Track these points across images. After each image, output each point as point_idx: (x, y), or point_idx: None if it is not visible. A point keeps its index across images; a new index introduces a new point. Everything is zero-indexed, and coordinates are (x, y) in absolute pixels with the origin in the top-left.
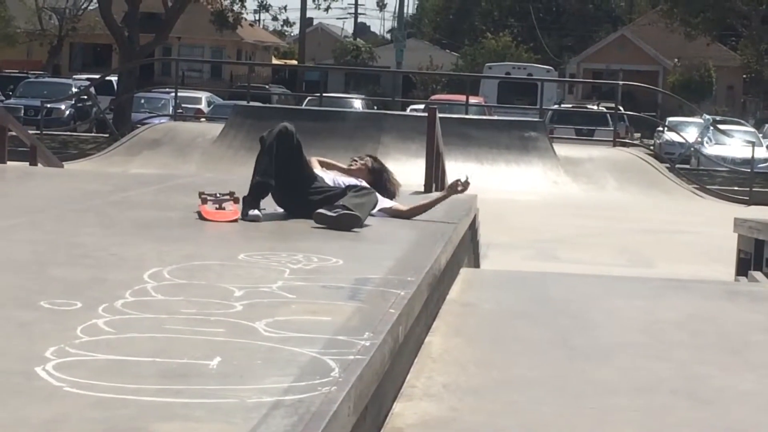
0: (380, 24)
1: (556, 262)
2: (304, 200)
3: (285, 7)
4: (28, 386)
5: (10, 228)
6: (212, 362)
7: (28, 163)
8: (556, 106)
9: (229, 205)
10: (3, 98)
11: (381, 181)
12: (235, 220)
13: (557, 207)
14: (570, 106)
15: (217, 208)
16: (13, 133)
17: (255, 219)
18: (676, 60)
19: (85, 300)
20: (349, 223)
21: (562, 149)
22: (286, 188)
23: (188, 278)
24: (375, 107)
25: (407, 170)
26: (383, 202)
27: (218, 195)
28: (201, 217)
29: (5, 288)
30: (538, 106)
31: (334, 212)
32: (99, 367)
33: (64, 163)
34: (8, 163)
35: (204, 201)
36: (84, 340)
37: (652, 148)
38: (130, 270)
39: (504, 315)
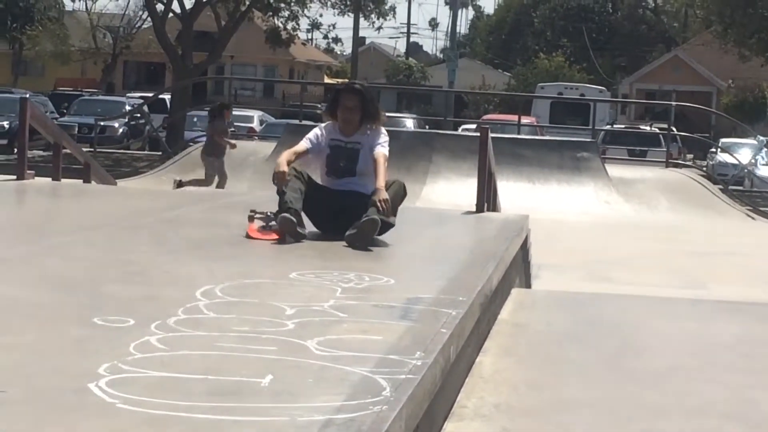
0: (432, 43)
1: (608, 283)
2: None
3: (334, 25)
4: (82, 402)
5: (65, 245)
6: (264, 380)
7: (81, 180)
8: (608, 127)
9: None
10: (57, 116)
11: (374, 104)
12: (278, 240)
13: (609, 228)
14: (622, 126)
15: (263, 227)
16: (68, 151)
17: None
18: (729, 81)
19: (137, 317)
20: (371, 229)
21: (614, 170)
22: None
23: (240, 296)
24: (427, 126)
25: (459, 190)
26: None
27: (268, 214)
28: (247, 235)
29: (59, 305)
30: (590, 127)
31: (354, 229)
32: (151, 384)
33: (117, 180)
34: (62, 180)
35: (251, 219)
36: (137, 357)
37: (705, 169)
38: (183, 287)
39: (555, 336)
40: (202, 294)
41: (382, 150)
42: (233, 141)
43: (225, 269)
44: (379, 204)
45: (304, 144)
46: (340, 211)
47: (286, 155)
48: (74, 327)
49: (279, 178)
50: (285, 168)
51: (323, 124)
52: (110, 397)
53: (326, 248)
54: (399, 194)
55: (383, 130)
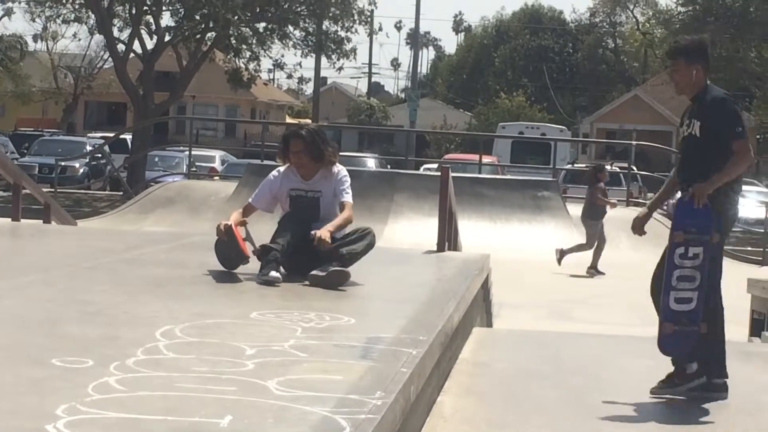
0: (394, 83)
1: (569, 322)
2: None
3: (300, 64)
4: None
5: (24, 285)
6: (224, 421)
7: (42, 220)
8: (569, 166)
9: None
10: (18, 156)
11: (318, 148)
12: (247, 259)
13: (570, 266)
14: (583, 165)
15: (245, 239)
16: (28, 191)
17: (274, 281)
18: None
19: (96, 358)
20: (340, 281)
21: (575, 209)
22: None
23: (200, 336)
24: (388, 166)
25: (420, 229)
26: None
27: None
28: (228, 229)
29: (17, 345)
30: (551, 166)
31: (323, 271)
32: (110, 425)
33: (77, 220)
34: (22, 220)
35: (243, 224)
36: (95, 398)
37: (665, 208)
38: (143, 328)
39: (517, 374)
40: (161, 334)
41: (346, 199)
42: (613, 200)
43: (185, 309)
44: (316, 238)
45: (253, 202)
46: (299, 250)
47: (235, 215)
48: (32, 367)
49: (220, 233)
50: (229, 222)
51: (282, 169)
52: None
53: (287, 288)
54: (369, 246)
55: (342, 172)
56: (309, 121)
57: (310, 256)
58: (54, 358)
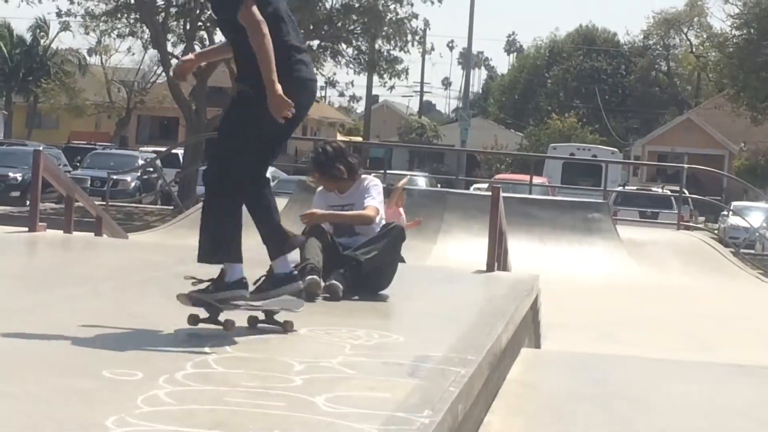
0: (445, 102)
1: (618, 345)
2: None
3: (352, 83)
4: None
5: (75, 297)
6: None
7: (93, 233)
8: (620, 188)
9: None
10: (71, 169)
11: (331, 171)
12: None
13: (619, 289)
14: (634, 188)
15: None
16: (80, 204)
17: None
18: (742, 144)
19: (146, 370)
20: (333, 293)
21: (625, 231)
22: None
23: (249, 351)
24: (438, 185)
25: (469, 249)
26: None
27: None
28: None
29: (68, 356)
30: (602, 188)
31: (328, 282)
32: None
33: (128, 234)
34: (74, 233)
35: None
36: (145, 410)
37: (716, 232)
38: (192, 341)
39: (565, 396)
40: (211, 348)
41: (368, 203)
42: None
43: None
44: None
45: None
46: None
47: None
48: (82, 379)
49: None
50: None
51: (317, 191)
52: None
53: (335, 305)
54: (390, 245)
55: (370, 182)
56: (360, 138)
57: (332, 263)
58: (104, 369)
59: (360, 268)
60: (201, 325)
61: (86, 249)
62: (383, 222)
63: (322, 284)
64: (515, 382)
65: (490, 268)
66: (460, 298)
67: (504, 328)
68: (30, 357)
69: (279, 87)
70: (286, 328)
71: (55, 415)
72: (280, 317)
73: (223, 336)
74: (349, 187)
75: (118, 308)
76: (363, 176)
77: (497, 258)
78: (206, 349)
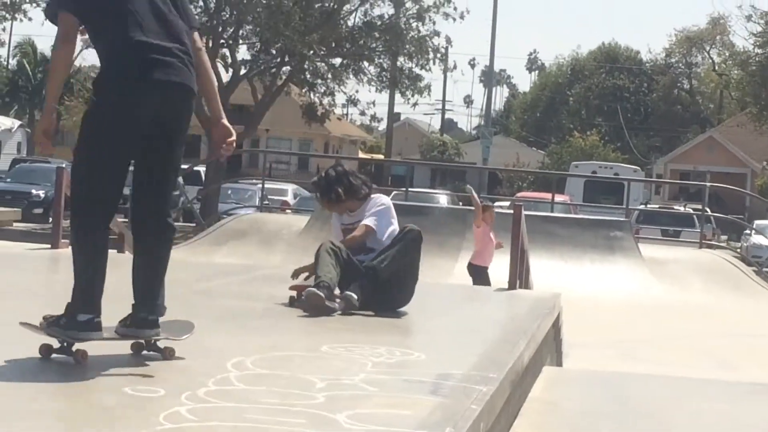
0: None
1: (640, 363)
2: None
3: (374, 102)
4: None
5: None
6: None
7: (115, 250)
8: (642, 206)
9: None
10: None
11: (334, 195)
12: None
13: (641, 307)
14: (656, 206)
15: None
16: None
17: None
18: (764, 163)
19: (168, 387)
20: (348, 303)
21: (647, 249)
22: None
23: (270, 368)
24: (460, 203)
25: (492, 267)
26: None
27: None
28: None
29: (90, 373)
30: (624, 206)
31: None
32: None
33: None
34: None
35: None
36: (167, 426)
37: (739, 250)
38: (214, 359)
39: (586, 415)
40: (232, 365)
41: (364, 221)
42: None
43: (256, 341)
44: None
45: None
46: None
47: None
48: (104, 395)
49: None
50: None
51: (333, 215)
52: None
53: (357, 322)
54: (405, 249)
55: (375, 200)
56: (382, 156)
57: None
58: (126, 386)
59: (377, 275)
60: (224, 341)
61: (108, 266)
62: (385, 236)
63: (321, 294)
64: (537, 400)
65: (512, 286)
66: (482, 316)
67: (526, 346)
68: (52, 375)
69: None
70: (166, 355)
71: None
72: (161, 343)
73: (244, 353)
74: (359, 207)
75: None
76: (373, 195)
77: (519, 276)
78: (228, 366)
